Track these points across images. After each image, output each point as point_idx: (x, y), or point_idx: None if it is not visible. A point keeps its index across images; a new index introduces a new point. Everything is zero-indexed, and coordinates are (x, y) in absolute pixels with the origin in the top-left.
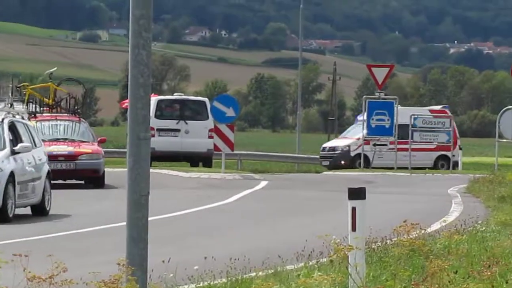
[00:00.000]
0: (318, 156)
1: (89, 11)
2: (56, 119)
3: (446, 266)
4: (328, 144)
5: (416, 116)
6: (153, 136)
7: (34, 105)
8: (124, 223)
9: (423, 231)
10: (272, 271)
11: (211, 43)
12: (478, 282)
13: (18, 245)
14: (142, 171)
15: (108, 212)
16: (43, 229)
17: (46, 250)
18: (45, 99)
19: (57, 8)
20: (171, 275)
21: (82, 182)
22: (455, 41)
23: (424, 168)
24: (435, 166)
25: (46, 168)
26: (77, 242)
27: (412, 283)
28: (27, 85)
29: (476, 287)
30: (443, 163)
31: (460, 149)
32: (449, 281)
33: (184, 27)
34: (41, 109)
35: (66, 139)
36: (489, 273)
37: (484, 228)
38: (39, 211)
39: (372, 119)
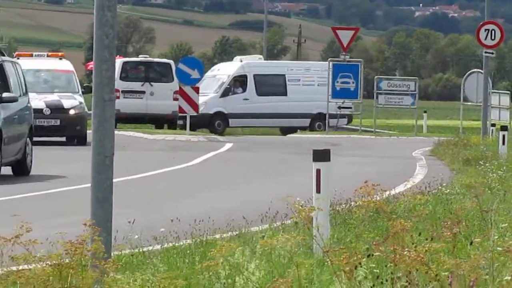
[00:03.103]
0: None
1: None
2: None
3: (408, 227)
4: None
5: (380, 79)
6: (118, 98)
7: None
8: (89, 185)
9: (386, 193)
10: (237, 232)
11: (176, 6)
12: (441, 243)
13: None
14: (106, 132)
15: (75, 173)
16: (12, 190)
17: (12, 211)
18: None
19: None
20: (136, 236)
21: None
22: (420, 4)
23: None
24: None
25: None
26: (43, 202)
27: (374, 243)
28: None
29: (439, 247)
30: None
31: (425, 112)
32: (412, 242)
33: None
34: None
35: None
36: (451, 234)
37: (448, 190)
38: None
39: (337, 82)
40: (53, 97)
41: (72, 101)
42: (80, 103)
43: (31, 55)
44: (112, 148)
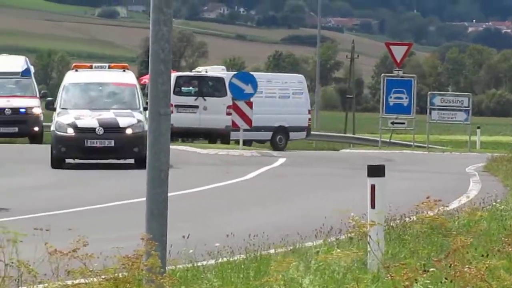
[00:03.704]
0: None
1: None
2: None
3: (468, 243)
4: None
5: (434, 95)
6: (172, 112)
7: None
8: (144, 199)
9: (443, 209)
10: (291, 247)
11: (229, 20)
12: (499, 259)
13: (40, 219)
14: (162, 146)
15: (129, 187)
16: (69, 204)
17: (68, 224)
18: None
19: None
20: (191, 251)
21: None
22: (473, 20)
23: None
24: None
25: None
26: (98, 216)
27: (434, 259)
28: None
29: (498, 264)
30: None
31: (478, 128)
32: (470, 258)
33: (202, 4)
34: None
35: None
36: (510, 250)
37: (503, 206)
38: None
39: (391, 97)
40: (108, 115)
41: (130, 119)
42: (139, 121)
43: (91, 67)
44: (167, 163)
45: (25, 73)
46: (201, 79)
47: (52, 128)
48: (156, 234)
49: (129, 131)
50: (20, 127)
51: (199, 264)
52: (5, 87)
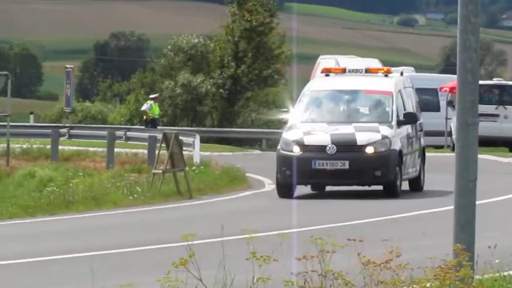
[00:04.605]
0: None
1: None
2: None
3: None
4: None
5: None
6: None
7: None
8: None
9: None
10: None
11: None
12: None
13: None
14: (470, 156)
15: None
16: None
17: (382, 232)
18: None
19: None
20: (497, 260)
21: None
22: None
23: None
24: None
25: (421, 141)
26: (412, 224)
27: None
28: None
29: None
30: None
31: None
32: None
33: (501, 12)
34: None
35: None
36: None
37: None
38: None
39: None
40: (345, 129)
41: (372, 135)
42: (384, 137)
43: (343, 71)
44: (475, 173)
45: None
46: (502, 88)
47: (278, 146)
48: (463, 244)
49: (369, 150)
50: None
51: (505, 273)
52: None
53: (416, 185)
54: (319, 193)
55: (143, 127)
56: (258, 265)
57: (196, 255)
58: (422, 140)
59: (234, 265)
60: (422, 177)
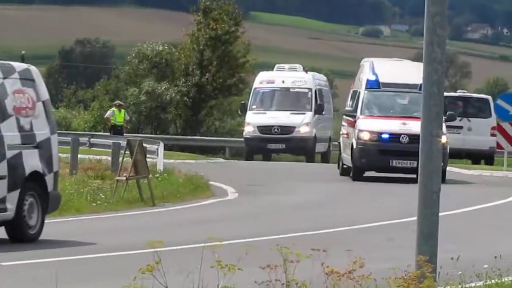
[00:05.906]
0: None
1: (373, 6)
2: None
3: None
4: None
5: None
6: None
7: None
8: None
9: None
10: None
11: (493, 41)
12: None
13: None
14: (434, 168)
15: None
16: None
17: (345, 244)
18: None
19: (339, 2)
20: (459, 272)
21: None
22: None
23: None
24: None
25: None
26: (370, 235)
27: None
28: None
29: None
30: None
31: None
32: None
33: (465, 24)
34: None
35: None
36: None
37: None
38: None
39: None
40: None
41: None
42: None
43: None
44: (439, 184)
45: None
46: (466, 100)
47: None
48: (427, 255)
49: None
50: None
51: (467, 286)
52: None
53: None
54: (285, 202)
55: (107, 133)
56: (223, 274)
57: (161, 262)
58: None
59: (199, 273)
60: None
